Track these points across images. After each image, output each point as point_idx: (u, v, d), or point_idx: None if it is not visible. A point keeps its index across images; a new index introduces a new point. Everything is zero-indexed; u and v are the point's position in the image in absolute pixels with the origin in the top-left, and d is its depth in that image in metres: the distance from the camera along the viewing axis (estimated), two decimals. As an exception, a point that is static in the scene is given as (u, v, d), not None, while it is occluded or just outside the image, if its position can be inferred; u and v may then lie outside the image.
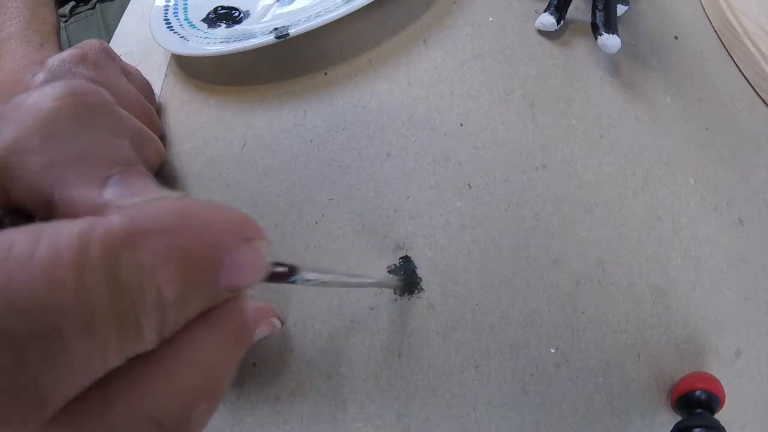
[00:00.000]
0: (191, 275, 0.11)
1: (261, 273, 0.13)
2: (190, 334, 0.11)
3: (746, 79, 0.34)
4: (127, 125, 0.29)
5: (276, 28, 0.34)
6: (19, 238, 0.09)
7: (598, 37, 0.31)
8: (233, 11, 0.39)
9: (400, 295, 0.27)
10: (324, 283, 0.19)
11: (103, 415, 0.10)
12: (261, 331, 0.26)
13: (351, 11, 0.33)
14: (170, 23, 0.37)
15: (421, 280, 0.27)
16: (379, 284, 0.27)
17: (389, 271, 0.28)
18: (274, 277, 0.15)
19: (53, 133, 0.13)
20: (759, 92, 0.33)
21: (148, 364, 0.11)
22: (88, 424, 0.10)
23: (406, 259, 0.28)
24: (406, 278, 0.27)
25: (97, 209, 0.13)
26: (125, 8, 0.46)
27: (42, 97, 0.14)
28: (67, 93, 0.14)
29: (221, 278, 0.11)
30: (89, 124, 0.14)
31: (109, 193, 0.13)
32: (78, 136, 0.14)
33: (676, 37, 0.35)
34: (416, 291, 0.27)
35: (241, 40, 0.34)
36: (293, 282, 0.16)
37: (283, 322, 0.27)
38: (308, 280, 0.17)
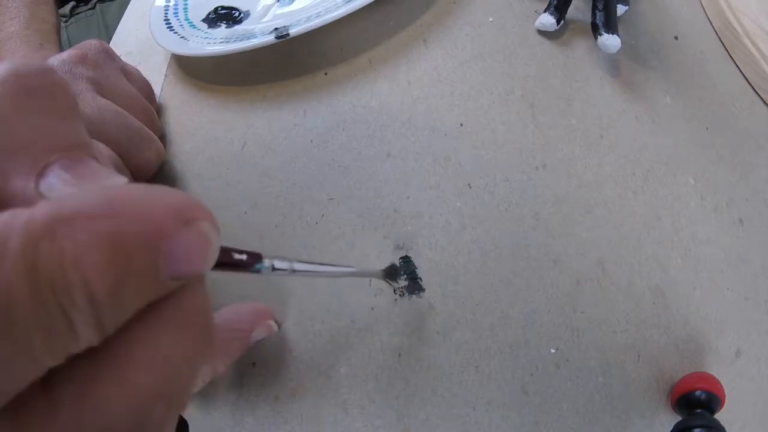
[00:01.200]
0: (124, 263, 0.10)
1: (208, 258, 0.11)
2: (139, 330, 0.11)
3: (746, 79, 0.34)
4: (150, 132, 0.28)
5: (276, 28, 0.34)
6: None
7: (598, 37, 0.31)
8: (233, 11, 0.39)
9: (401, 296, 0.27)
10: (295, 272, 0.17)
11: (51, 422, 0.10)
12: (258, 333, 0.26)
13: (351, 11, 0.33)
14: (170, 23, 0.37)
15: (421, 280, 0.27)
16: (359, 274, 0.25)
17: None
18: (233, 265, 0.14)
19: None
20: (759, 92, 0.33)
21: (95, 365, 0.10)
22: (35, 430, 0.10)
23: (406, 259, 0.28)
24: (408, 278, 0.27)
25: (34, 201, 0.12)
26: (125, 8, 0.46)
27: None
28: (8, 76, 0.13)
29: (162, 266, 0.10)
30: (31, 108, 0.13)
31: (45, 183, 0.12)
32: (16, 124, 0.13)
33: (676, 37, 0.35)
34: (418, 292, 0.27)
35: (241, 40, 0.34)
36: (257, 271, 0.15)
37: (280, 325, 0.27)
38: (276, 269, 0.16)
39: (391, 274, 0.26)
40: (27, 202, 0.12)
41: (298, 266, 0.17)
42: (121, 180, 0.13)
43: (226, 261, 0.13)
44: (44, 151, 0.12)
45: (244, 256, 0.14)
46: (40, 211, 0.09)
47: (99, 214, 0.10)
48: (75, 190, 0.12)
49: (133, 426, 0.10)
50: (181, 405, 0.12)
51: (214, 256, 0.12)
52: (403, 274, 0.28)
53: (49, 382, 0.10)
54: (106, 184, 0.13)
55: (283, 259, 0.16)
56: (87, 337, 0.10)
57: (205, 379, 0.23)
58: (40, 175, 0.12)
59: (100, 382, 0.10)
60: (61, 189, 0.12)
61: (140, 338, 0.11)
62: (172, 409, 0.11)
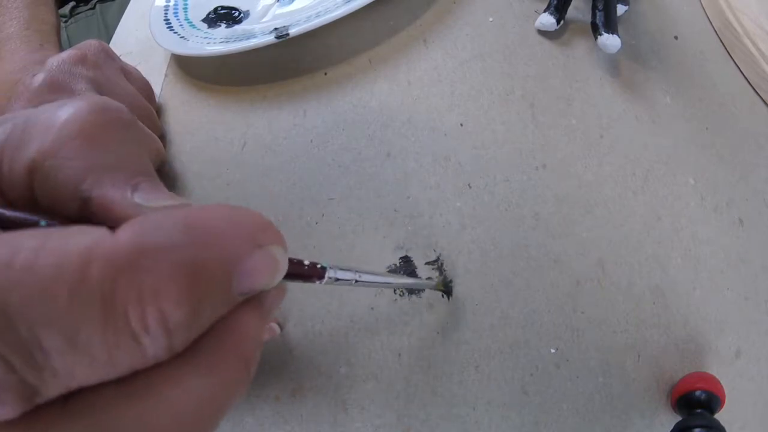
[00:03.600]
0: (200, 292, 0.10)
1: (275, 276, 0.12)
2: (172, 367, 0.11)
3: (746, 79, 0.34)
4: (153, 134, 0.30)
5: (276, 28, 0.34)
6: (26, 245, 0.09)
7: (598, 37, 0.31)
8: (233, 11, 0.39)
9: (401, 296, 0.27)
10: (356, 283, 0.18)
11: (62, 428, 0.10)
12: None
13: (351, 11, 0.33)
14: (170, 23, 0.37)
15: (451, 282, 0.27)
16: (414, 285, 0.26)
17: (389, 272, 0.28)
18: (298, 276, 0.15)
19: (90, 142, 0.15)
20: (759, 92, 0.33)
21: (120, 393, 0.10)
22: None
23: (406, 259, 0.28)
24: (444, 283, 0.27)
25: (131, 209, 0.14)
26: (125, 8, 0.46)
27: (78, 110, 0.15)
28: (100, 108, 0.15)
29: (233, 285, 0.11)
30: (118, 137, 0.16)
31: (138, 197, 0.14)
32: (110, 147, 0.15)
33: (676, 37, 0.35)
34: (418, 292, 0.27)
35: (241, 40, 0.34)
36: (320, 281, 0.16)
37: (282, 327, 0.27)
38: (338, 280, 0.17)
39: (446, 286, 0.27)
40: (124, 209, 0.14)
41: (357, 277, 0.18)
42: (186, 202, 0.15)
43: (294, 272, 0.14)
44: (134, 172, 0.15)
45: (309, 269, 0.15)
46: (123, 238, 0.10)
47: (180, 243, 0.10)
48: (163, 203, 0.14)
49: None
50: None
51: (281, 274, 0.13)
52: (403, 274, 0.28)
53: (72, 396, 0.10)
54: (179, 203, 0.14)
55: (347, 270, 0.17)
56: (156, 355, 0.10)
57: None
58: (134, 190, 0.14)
59: (119, 411, 0.10)
60: (151, 203, 0.14)
61: (175, 375, 0.11)
62: None
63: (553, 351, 0.26)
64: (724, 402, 0.23)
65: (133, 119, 0.17)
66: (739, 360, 0.26)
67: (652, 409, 0.25)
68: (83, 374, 0.10)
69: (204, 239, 0.11)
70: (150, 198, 0.14)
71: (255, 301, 0.12)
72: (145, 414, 0.10)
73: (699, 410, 0.23)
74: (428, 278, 0.27)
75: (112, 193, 0.14)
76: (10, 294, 0.09)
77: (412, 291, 0.27)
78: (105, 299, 0.09)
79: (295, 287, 0.28)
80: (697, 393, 0.23)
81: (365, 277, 0.18)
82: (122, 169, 0.15)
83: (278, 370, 0.27)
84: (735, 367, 0.26)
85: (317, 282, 0.16)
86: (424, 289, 0.27)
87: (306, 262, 0.15)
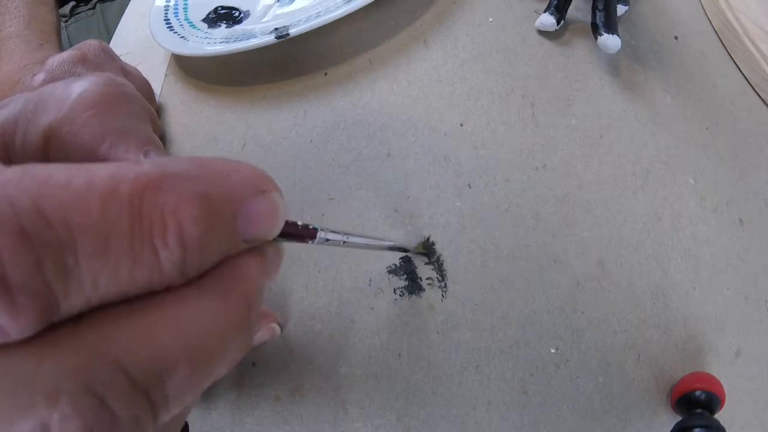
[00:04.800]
0: (212, 216, 0.11)
1: (276, 222, 0.13)
2: (179, 292, 0.11)
3: (746, 79, 0.34)
4: (149, 111, 0.31)
5: (276, 28, 0.34)
6: (59, 168, 0.10)
7: (598, 37, 0.31)
8: (233, 11, 0.39)
9: (401, 296, 0.27)
10: (344, 244, 0.19)
11: (69, 350, 0.10)
12: (260, 336, 0.26)
13: (351, 11, 0.33)
14: (170, 23, 0.37)
15: (421, 280, 0.27)
16: (397, 247, 0.27)
17: (389, 272, 0.28)
18: (293, 236, 0.16)
19: (104, 111, 0.16)
20: (759, 92, 0.33)
21: (128, 312, 0.11)
22: (59, 346, 0.10)
23: (406, 259, 0.28)
24: (408, 278, 0.27)
25: None
26: (125, 8, 0.46)
27: (91, 83, 0.16)
28: (111, 82, 0.17)
29: (238, 225, 0.12)
30: (128, 109, 0.17)
31: (150, 161, 0.15)
32: (122, 117, 0.16)
33: (676, 37, 0.35)
34: (418, 292, 0.27)
35: (241, 40, 0.34)
36: (312, 241, 0.17)
37: (282, 327, 0.27)
38: (328, 240, 0.18)
39: (427, 248, 0.27)
40: None
41: (349, 239, 0.19)
42: None
43: (289, 231, 0.15)
44: (144, 140, 0.16)
45: (302, 228, 0.16)
46: (148, 165, 0.11)
47: (194, 175, 0.11)
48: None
49: (151, 377, 0.11)
50: (208, 376, 0.12)
51: (281, 223, 0.14)
52: (403, 274, 0.28)
53: (82, 317, 0.11)
54: None
55: (336, 232, 0.18)
56: (171, 273, 0.11)
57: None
58: (145, 154, 0.16)
59: (126, 326, 0.11)
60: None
61: (179, 296, 0.11)
62: (196, 376, 0.12)
63: (553, 351, 0.26)
64: (724, 402, 0.23)
65: (138, 95, 0.18)
66: (739, 360, 0.26)
67: (652, 409, 0.25)
68: (105, 286, 0.10)
69: (214, 177, 0.12)
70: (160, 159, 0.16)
71: (257, 250, 0.13)
72: (152, 329, 0.11)
73: (699, 410, 0.23)
74: (428, 278, 0.27)
75: (126, 156, 0.15)
76: (49, 200, 0.10)
77: (412, 291, 0.27)
78: (132, 210, 0.10)
79: (296, 287, 0.28)
80: (697, 393, 0.23)
81: (352, 239, 0.20)
82: (134, 136, 0.16)
83: (278, 370, 0.27)
84: (735, 367, 0.26)
85: (309, 242, 0.17)
86: (423, 289, 0.27)
87: (299, 223, 0.16)
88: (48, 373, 0.10)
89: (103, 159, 0.15)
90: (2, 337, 0.10)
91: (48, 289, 0.10)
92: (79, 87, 0.16)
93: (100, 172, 0.10)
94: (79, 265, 0.10)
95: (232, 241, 0.12)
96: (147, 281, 0.11)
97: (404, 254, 0.28)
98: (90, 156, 0.15)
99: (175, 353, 0.11)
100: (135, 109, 0.17)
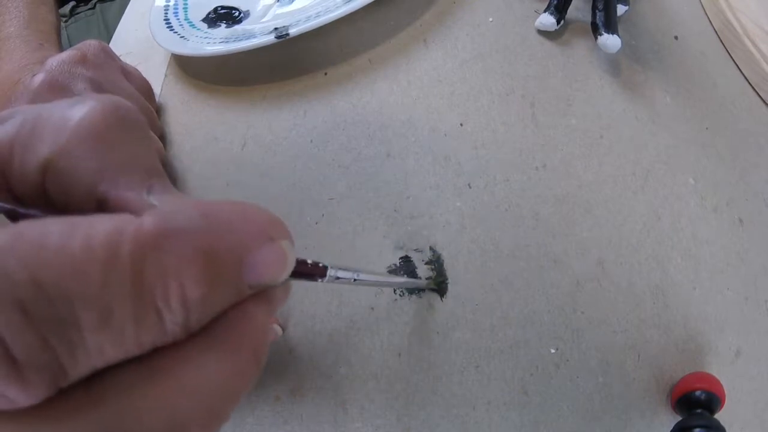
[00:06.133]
0: (215, 273, 0.11)
1: (284, 270, 0.13)
2: (192, 348, 0.11)
3: (746, 79, 0.34)
4: (153, 134, 0.30)
5: (276, 28, 0.34)
6: (55, 228, 0.10)
7: (598, 37, 0.31)
8: (233, 11, 0.39)
9: (401, 296, 0.27)
10: (355, 282, 0.19)
11: (81, 418, 0.10)
12: None
13: (351, 11, 0.33)
14: (170, 23, 0.37)
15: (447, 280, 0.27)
16: (410, 284, 0.27)
17: (389, 271, 0.28)
18: (302, 274, 0.15)
19: (104, 142, 0.15)
20: (759, 92, 0.33)
21: (143, 375, 0.11)
22: (72, 417, 0.10)
23: (406, 259, 0.28)
24: (408, 278, 0.27)
25: (146, 209, 0.14)
26: (125, 8, 0.46)
27: (91, 109, 0.15)
28: (113, 108, 0.16)
29: (244, 275, 0.12)
30: (131, 136, 0.16)
31: (153, 198, 0.15)
32: (123, 147, 0.15)
33: (676, 37, 0.35)
34: (418, 292, 0.27)
35: (241, 40, 0.34)
36: (322, 280, 0.17)
37: (284, 329, 0.27)
38: (338, 278, 0.17)
39: (439, 285, 0.27)
40: (137, 209, 0.14)
41: (360, 276, 0.19)
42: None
43: (298, 271, 0.15)
44: (147, 172, 0.15)
45: (312, 266, 0.16)
46: (148, 222, 0.11)
47: (197, 228, 0.11)
48: (176, 204, 0.14)
49: None
50: (220, 425, 0.12)
51: (288, 271, 0.13)
52: (404, 275, 0.28)
53: (93, 380, 0.11)
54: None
55: (346, 269, 0.18)
56: (173, 332, 0.11)
57: None
58: (148, 190, 0.15)
59: (141, 393, 0.11)
60: (165, 204, 0.14)
61: (191, 357, 0.11)
62: (208, 430, 0.12)
63: (553, 351, 0.26)
64: (724, 402, 0.23)
65: (143, 119, 0.17)
66: (739, 360, 0.26)
67: (652, 409, 0.25)
68: (111, 351, 0.10)
69: (219, 228, 0.11)
70: (163, 199, 0.15)
71: (263, 295, 0.13)
72: (166, 395, 0.11)
73: (699, 410, 0.23)
74: (428, 278, 0.27)
75: (128, 194, 0.14)
76: (47, 272, 0.09)
77: (412, 291, 0.27)
78: (135, 276, 0.10)
79: (296, 286, 0.28)
80: (697, 393, 0.23)
81: (363, 276, 0.19)
82: (136, 170, 0.15)
83: (278, 370, 0.27)
84: (735, 367, 0.26)
85: (319, 280, 0.16)
86: (424, 289, 0.27)
87: (309, 261, 0.16)
88: None
89: (104, 196, 0.15)
90: (11, 404, 0.10)
91: (55, 361, 0.10)
92: (78, 113, 0.15)
93: (98, 231, 0.10)
94: (84, 338, 0.10)
95: (237, 291, 0.12)
96: (151, 342, 0.11)
97: (404, 254, 0.28)
98: (90, 193, 0.15)
99: (189, 415, 0.11)
100: (138, 136, 0.16)
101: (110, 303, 0.10)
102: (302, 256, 0.15)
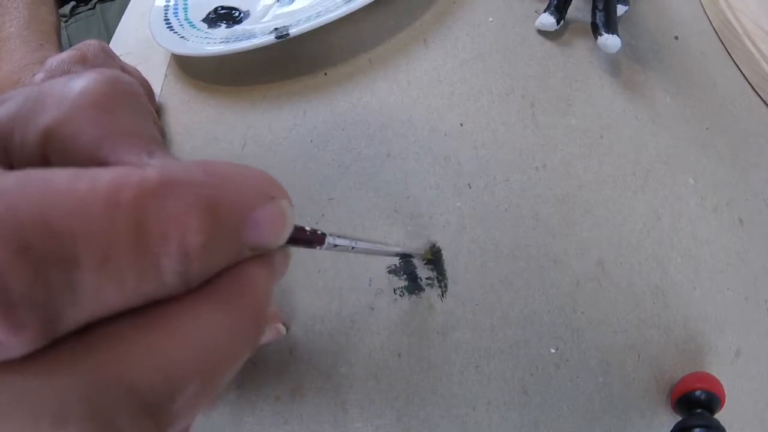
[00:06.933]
0: (216, 225, 0.11)
1: (284, 231, 0.13)
2: (186, 302, 0.11)
3: (746, 79, 0.34)
4: (152, 111, 0.30)
5: (276, 28, 0.34)
6: (60, 174, 0.10)
7: (598, 37, 0.31)
8: (233, 11, 0.39)
9: (401, 296, 0.27)
10: (353, 249, 0.19)
11: (72, 367, 0.10)
12: (265, 337, 0.26)
13: (351, 11, 0.33)
14: (170, 23, 0.37)
15: (421, 280, 0.27)
16: (404, 253, 0.27)
17: (389, 272, 0.28)
18: (301, 241, 0.15)
19: (105, 109, 0.15)
20: (759, 92, 0.33)
21: (137, 326, 0.11)
22: (66, 365, 0.10)
23: (406, 259, 0.28)
24: (408, 278, 0.27)
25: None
26: (125, 8, 0.46)
27: (91, 80, 0.16)
28: (113, 79, 0.16)
29: (244, 233, 0.12)
30: (131, 107, 0.16)
31: (154, 163, 0.15)
32: (123, 114, 0.16)
33: (676, 37, 0.35)
34: (418, 291, 0.27)
35: (241, 40, 0.34)
36: (320, 247, 0.17)
37: (288, 328, 0.27)
38: (336, 246, 0.17)
39: (434, 254, 0.27)
40: None
41: (357, 244, 0.19)
42: None
43: (297, 237, 0.15)
44: (147, 139, 0.15)
45: (311, 234, 0.16)
46: (152, 171, 0.11)
47: (200, 182, 0.11)
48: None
49: (162, 396, 0.10)
50: (214, 388, 0.12)
51: (288, 232, 0.13)
52: (403, 274, 0.28)
53: (87, 331, 0.10)
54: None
55: (344, 237, 0.18)
56: (173, 283, 0.11)
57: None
58: (149, 154, 0.15)
59: (136, 343, 0.10)
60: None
61: (187, 309, 0.11)
62: (205, 390, 0.11)
63: (553, 351, 0.26)
64: (724, 402, 0.23)
65: (141, 91, 0.17)
66: (739, 360, 0.26)
67: (652, 409, 0.25)
68: (108, 298, 0.10)
69: (221, 183, 0.12)
70: (164, 163, 0.15)
71: (265, 256, 0.13)
72: (162, 345, 0.11)
73: (699, 410, 0.23)
74: (428, 278, 0.27)
75: (128, 158, 0.15)
76: (52, 210, 0.09)
77: (412, 290, 0.27)
78: (136, 219, 0.10)
79: (296, 287, 0.28)
80: (697, 393, 0.23)
81: (360, 245, 0.20)
82: (137, 135, 0.15)
83: (278, 370, 0.27)
84: (735, 367, 0.26)
85: (317, 247, 0.16)
86: (423, 289, 0.27)
87: (308, 228, 0.16)
88: (55, 396, 0.09)
89: (105, 161, 0.15)
90: (3, 353, 0.09)
91: (50, 302, 0.09)
92: (80, 84, 0.16)
93: (102, 177, 0.10)
94: (82, 277, 0.10)
95: (237, 249, 0.12)
96: (150, 292, 0.11)
97: (404, 254, 0.28)
98: (91, 157, 0.15)
99: (186, 369, 0.11)
100: (138, 106, 0.17)
101: (111, 244, 0.10)
102: (301, 223, 0.15)
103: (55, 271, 0.09)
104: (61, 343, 0.10)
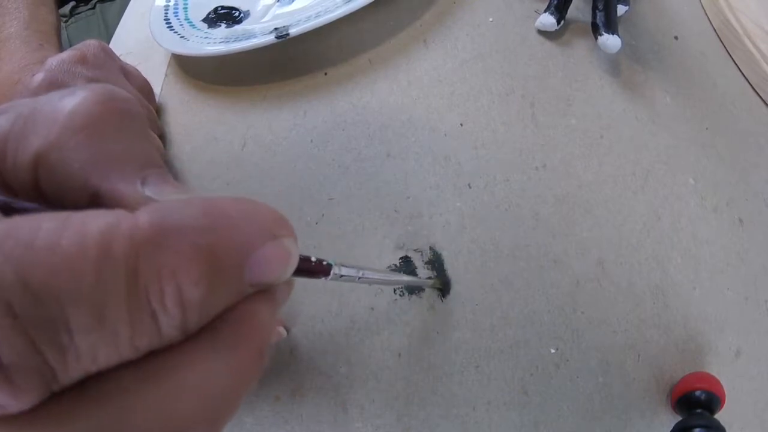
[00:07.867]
0: (216, 272, 0.11)
1: (288, 268, 0.13)
2: (187, 350, 0.11)
3: (746, 79, 0.34)
4: (153, 132, 0.29)
5: (276, 28, 0.34)
6: (46, 225, 0.09)
7: (599, 37, 0.31)
8: (233, 11, 0.39)
9: (401, 296, 0.27)
10: (359, 280, 0.19)
11: (73, 421, 0.10)
12: None
13: (351, 11, 0.33)
14: (170, 23, 0.37)
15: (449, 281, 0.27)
16: (414, 282, 0.27)
17: (390, 271, 0.28)
18: (306, 272, 0.15)
19: (96, 133, 0.14)
20: (759, 92, 0.33)
21: (140, 377, 0.10)
22: (66, 424, 0.10)
23: (406, 260, 0.28)
24: (442, 282, 0.27)
25: (142, 202, 0.13)
26: (125, 8, 0.46)
27: (84, 100, 0.15)
28: (106, 98, 0.15)
29: (247, 273, 0.11)
30: (125, 128, 0.15)
31: (149, 190, 0.14)
32: (117, 138, 0.15)
33: (676, 37, 0.35)
34: (418, 291, 0.27)
35: (241, 40, 0.34)
36: (326, 278, 0.16)
37: (288, 330, 0.27)
38: (342, 276, 0.17)
39: (444, 286, 0.27)
40: (134, 202, 0.13)
41: (364, 274, 0.19)
42: (194, 194, 0.14)
43: (302, 268, 0.14)
44: (143, 163, 0.14)
45: (316, 264, 0.16)
46: (143, 218, 0.10)
47: (197, 227, 0.10)
48: (174, 197, 0.13)
49: None
50: (222, 427, 0.12)
51: (293, 268, 0.13)
52: (404, 274, 0.28)
53: (88, 383, 0.10)
54: (191, 196, 0.14)
55: (350, 267, 0.18)
56: (172, 335, 0.10)
57: None
58: (143, 182, 0.14)
59: (138, 396, 0.10)
60: (162, 196, 0.14)
61: (190, 358, 0.11)
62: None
63: (553, 351, 0.26)
64: (724, 402, 0.23)
65: (139, 109, 0.16)
66: (739, 360, 0.26)
67: (652, 409, 0.25)
68: (104, 355, 0.10)
69: (221, 225, 0.11)
70: (160, 191, 0.14)
71: (266, 293, 0.13)
72: (167, 398, 0.10)
73: (699, 410, 0.23)
74: (429, 278, 0.27)
75: (121, 186, 0.14)
76: (35, 272, 0.09)
77: (412, 290, 0.27)
78: (129, 275, 0.09)
79: (297, 287, 0.28)
80: (697, 393, 0.23)
81: (367, 274, 0.19)
82: (130, 161, 0.15)
83: (278, 370, 0.27)
84: (735, 367, 0.26)
85: (323, 278, 0.16)
86: (423, 289, 0.27)
87: (313, 259, 0.15)
88: None
89: (96, 189, 0.14)
90: (1, 410, 0.09)
91: (45, 366, 0.09)
92: (70, 104, 0.15)
93: (90, 228, 0.09)
94: (75, 341, 0.09)
95: (239, 290, 0.12)
96: (147, 346, 0.10)
97: (404, 254, 0.28)
98: (81, 186, 0.14)
99: (191, 419, 0.10)
100: (133, 126, 0.16)
101: (103, 304, 0.09)
102: (306, 254, 0.15)
103: (45, 335, 0.09)
104: (61, 396, 0.10)
